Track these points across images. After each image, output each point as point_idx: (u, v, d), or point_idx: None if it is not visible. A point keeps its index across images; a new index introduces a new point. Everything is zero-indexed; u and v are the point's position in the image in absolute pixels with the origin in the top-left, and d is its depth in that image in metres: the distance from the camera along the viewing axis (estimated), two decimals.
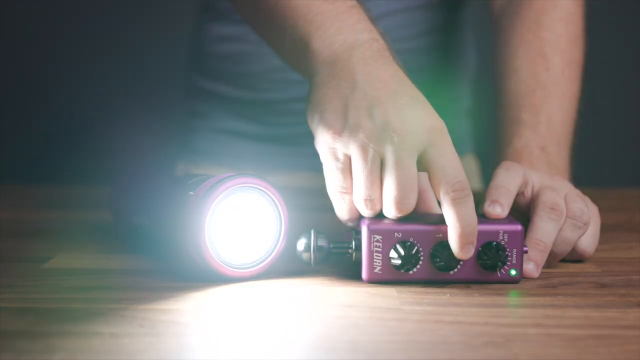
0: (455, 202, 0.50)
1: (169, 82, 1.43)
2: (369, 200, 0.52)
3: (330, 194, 0.54)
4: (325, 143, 0.53)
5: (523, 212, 0.59)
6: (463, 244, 0.51)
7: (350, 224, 0.56)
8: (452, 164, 0.51)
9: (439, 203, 0.52)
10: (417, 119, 0.52)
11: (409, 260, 0.52)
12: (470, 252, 0.51)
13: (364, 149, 0.51)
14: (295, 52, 0.59)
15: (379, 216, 0.54)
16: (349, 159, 0.53)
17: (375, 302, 0.49)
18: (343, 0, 0.58)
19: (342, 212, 0.55)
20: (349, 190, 0.53)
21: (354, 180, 0.52)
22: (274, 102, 0.92)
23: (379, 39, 0.57)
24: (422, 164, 0.52)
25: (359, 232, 0.54)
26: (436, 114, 0.53)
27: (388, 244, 0.52)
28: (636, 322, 0.46)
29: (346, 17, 0.57)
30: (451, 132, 0.54)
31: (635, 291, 0.52)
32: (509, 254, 0.53)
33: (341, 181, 0.53)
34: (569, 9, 0.77)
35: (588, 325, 0.45)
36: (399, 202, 0.51)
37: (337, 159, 0.53)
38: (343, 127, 0.52)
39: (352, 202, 0.54)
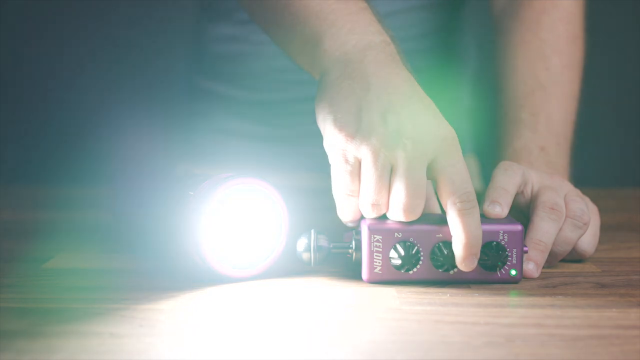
0: (462, 213, 0.50)
1: (169, 82, 1.43)
2: (376, 205, 0.52)
3: (335, 195, 0.54)
4: (337, 144, 0.53)
5: (523, 211, 0.59)
6: (467, 254, 0.51)
7: (350, 224, 0.56)
8: (460, 174, 0.51)
9: (443, 211, 0.52)
10: (430, 127, 0.52)
11: (409, 260, 0.52)
12: (472, 264, 0.51)
13: (375, 154, 0.51)
14: (305, 49, 0.59)
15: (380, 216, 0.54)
16: (358, 162, 0.52)
17: (375, 302, 0.49)
18: (355, 1, 0.58)
19: (345, 214, 0.54)
20: (355, 193, 0.53)
21: (362, 184, 0.52)
22: (274, 103, 0.92)
23: (391, 43, 0.57)
24: (431, 172, 0.52)
25: (359, 232, 0.54)
26: (447, 123, 0.53)
27: (388, 244, 0.52)
28: (636, 322, 0.46)
29: (358, 18, 0.57)
30: None
31: (635, 291, 0.52)
32: (509, 254, 0.53)
33: (349, 184, 0.53)
34: (569, 9, 0.77)
35: (588, 325, 0.45)
36: (407, 208, 0.51)
37: (347, 161, 0.53)
38: (356, 130, 0.52)
39: (356, 205, 0.53)
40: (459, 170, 0.51)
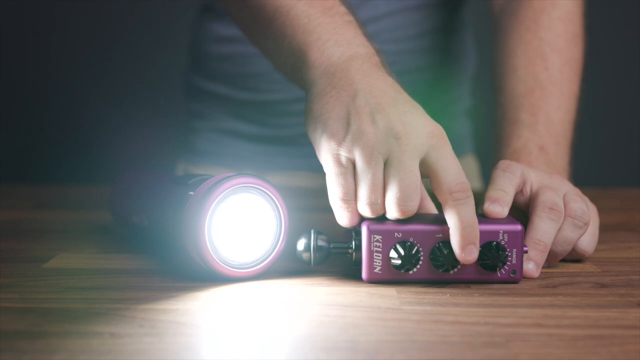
0: (457, 203, 0.50)
1: (169, 82, 1.43)
2: (374, 204, 0.52)
3: (332, 203, 0.54)
4: (329, 150, 0.53)
5: (522, 210, 0.59)
6: (465, 244, 0.51)
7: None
8: (453, 167, 0.51)
9: (440, 210, 0.52)
10: (419, 124, 0.52)
11: (409, 260, 0.52)
12: (472, 254, 0.51)
13: (368, 153, 0.51)
14: (292, 62, 0.60)
15: (379, 217, 0.54)
16: (352, 164, 0.53)
17: (375, 302, 0.49)
18: (340, 15, 0.60)
19: (343, 220, 0.54)
20: (351, 196, 0.53)
21: (358, 183, 0.52)
22: (274, 103, 0.92)
23: (375, 55, 0.58)
24: (424, 168, 0.52)
25: (359, 232, 0.54)
26: (435, 122, 0.53)
27: (388, 244, 0.53)
28: (636, 322, 0.46)
29: (344, 31, 0.58)
30: (451, 133, 0.54)
31: (635, 291, 0.52)
32: (509, 254, 0.53)
33: (344, 187, 0.53)
34: (568, 8, 0.77)
35: (588, 325, 0.45)
36: (402, 203, 0.51)
37: (340, 164, 0.53)
38: (347, 134, 0.53)
39: (354, 211, 0.53)
40: (451, 162, 0.52)
